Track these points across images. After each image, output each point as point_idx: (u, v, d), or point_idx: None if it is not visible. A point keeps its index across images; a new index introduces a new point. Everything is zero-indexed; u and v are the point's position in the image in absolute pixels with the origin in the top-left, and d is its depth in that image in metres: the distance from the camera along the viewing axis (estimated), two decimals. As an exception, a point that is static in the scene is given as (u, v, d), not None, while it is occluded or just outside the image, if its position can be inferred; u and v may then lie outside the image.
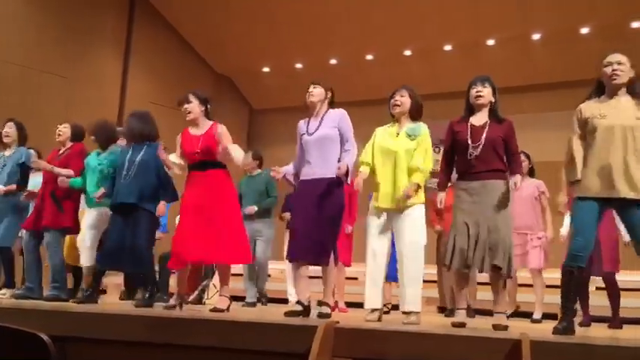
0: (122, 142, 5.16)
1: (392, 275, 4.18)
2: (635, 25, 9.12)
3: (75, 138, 5.29)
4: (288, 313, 3.82)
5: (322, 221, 3.84)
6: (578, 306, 4.86)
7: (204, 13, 10.75)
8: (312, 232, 3.83)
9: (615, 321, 5.02)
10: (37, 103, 8.60)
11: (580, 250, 3.24)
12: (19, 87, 8.80)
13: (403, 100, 3.93)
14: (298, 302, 3.93)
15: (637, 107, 3.26)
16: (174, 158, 4.39)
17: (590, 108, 3.35)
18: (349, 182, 3.96)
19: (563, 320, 3.26)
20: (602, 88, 3.40)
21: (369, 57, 11.07)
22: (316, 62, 11.21)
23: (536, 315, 5.30)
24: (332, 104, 4.12)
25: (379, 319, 3.78)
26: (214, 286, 5.95)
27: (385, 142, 3.90)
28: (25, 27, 9.07)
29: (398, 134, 3.90)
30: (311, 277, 4.11)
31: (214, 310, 4.08)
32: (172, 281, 6.00)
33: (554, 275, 5.10)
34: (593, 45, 8.79)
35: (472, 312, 5.09)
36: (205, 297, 6.16)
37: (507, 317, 4.85)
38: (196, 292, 6.06)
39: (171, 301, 4.32)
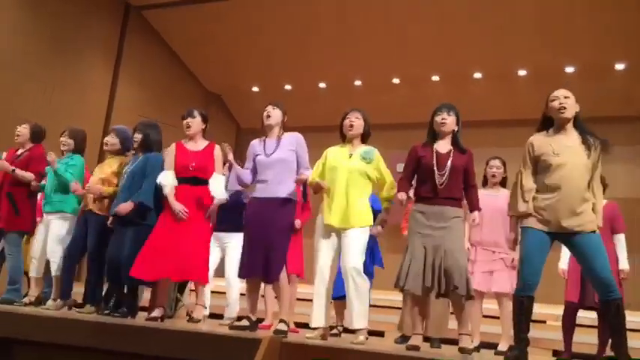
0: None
1: (341, 293, 4.16)
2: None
3: (34, 139, 5.15)
4: (233, 327, 3.79)
5: (273, 238, 3.89)
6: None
7: (196, 30, 10.83)
8: (263, 249, 3.89)
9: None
10: (22, 110, 8.51)
11: (529, 278, 3.25)
12: (4, 93, 8.74)
13: (357, 122, 3.95)
14: (246, 318, 3.90)
15: (585, 145, 3.32)
16: (170, 179, 4.31)
17: (543, 144, 3.39)
18: (306, 200, 3.98)
19: (515, 348, 3.26)
20: (549, 123, 3.47)
21: (358, 83, 11.18)
22: (305, 85, 11.32)
23: (502, 346, 4.57)
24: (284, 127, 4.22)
25: (323, 338, 3.72)
26: (179, 298, 5.88)
27: (337, 162, 3.90)
28: (14, 32, 9.00)
29: (351, 155, 3.91)
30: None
31: (191, 320, 4.11)
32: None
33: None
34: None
35: (437, 342, 4.77)
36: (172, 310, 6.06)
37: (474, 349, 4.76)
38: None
39: (155, 313, 4.17)
